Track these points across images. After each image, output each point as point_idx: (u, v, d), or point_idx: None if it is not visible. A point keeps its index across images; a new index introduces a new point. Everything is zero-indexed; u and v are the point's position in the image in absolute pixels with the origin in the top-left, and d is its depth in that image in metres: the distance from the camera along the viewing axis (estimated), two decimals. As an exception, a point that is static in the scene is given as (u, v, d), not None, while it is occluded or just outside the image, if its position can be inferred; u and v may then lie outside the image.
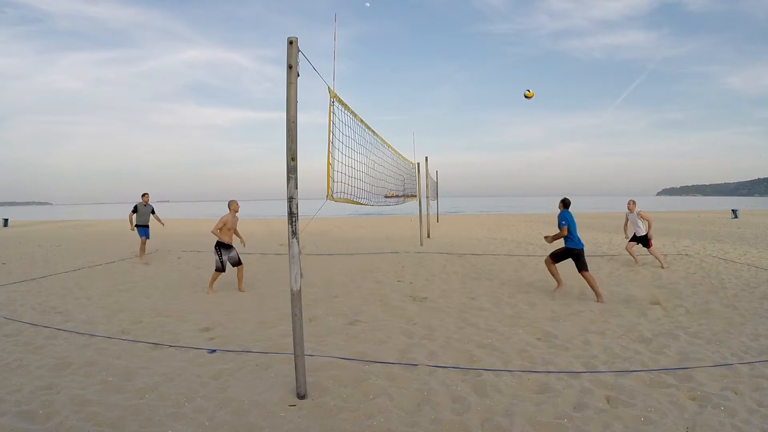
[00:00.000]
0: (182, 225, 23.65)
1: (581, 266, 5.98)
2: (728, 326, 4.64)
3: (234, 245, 6.74)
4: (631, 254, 8.68)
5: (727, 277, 7.25)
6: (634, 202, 8.60)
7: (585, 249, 6.06)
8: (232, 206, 6.52)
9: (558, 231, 6.05)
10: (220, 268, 6.51)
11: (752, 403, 2.95)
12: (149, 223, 9.85)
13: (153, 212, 9.96)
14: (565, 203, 6.24)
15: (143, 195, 9.75)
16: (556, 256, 6.22)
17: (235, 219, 6.60)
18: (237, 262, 6.65)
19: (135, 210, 9.60)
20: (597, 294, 5.89)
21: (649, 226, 8.41)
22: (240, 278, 6.73)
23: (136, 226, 9.60)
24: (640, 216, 8.49)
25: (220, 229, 6.43)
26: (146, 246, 9.96)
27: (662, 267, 8.18)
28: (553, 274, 6.35)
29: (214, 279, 6.58)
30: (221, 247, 6.50)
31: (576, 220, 6.13)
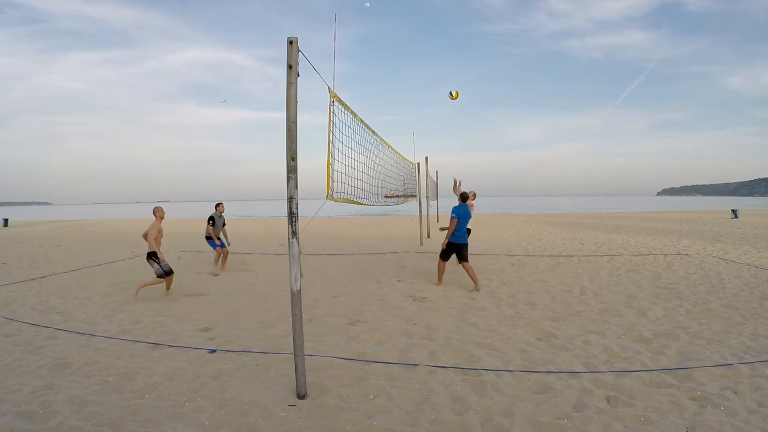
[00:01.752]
0: (182, 225, 23.65)
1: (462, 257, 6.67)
2: (728, 326, 4.65)
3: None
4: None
5: (727, 277, 7.25)
6: (473, 195, 7.96)
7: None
8: (158, 213, 6.21)
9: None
10: (171, 270, 6.26)
11: (752, 403, 2.95)
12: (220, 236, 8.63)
13: (224, 224, 8.70)
14: (464, 197, 6.84)
15: (217, 205, 8.51)
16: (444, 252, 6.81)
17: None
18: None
19: (212, 222, 8.33)
20: (475, 282, 6.57)
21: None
22: (147, 283, 6.32)
23: (207, 238, 8.41)
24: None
25: (156, 237, 6.13)
26: (225, 255, 8.67)
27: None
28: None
29: (169, 284, 6.39)
30: (155, 256, 6.11)
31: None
